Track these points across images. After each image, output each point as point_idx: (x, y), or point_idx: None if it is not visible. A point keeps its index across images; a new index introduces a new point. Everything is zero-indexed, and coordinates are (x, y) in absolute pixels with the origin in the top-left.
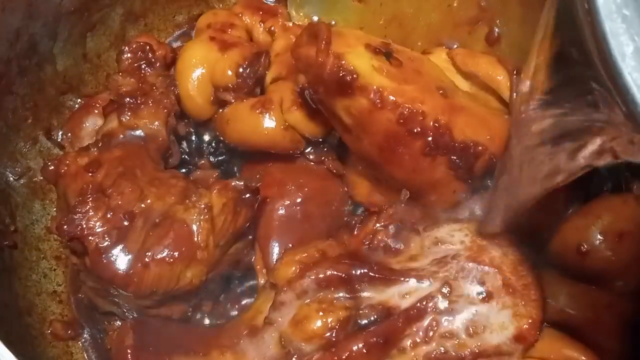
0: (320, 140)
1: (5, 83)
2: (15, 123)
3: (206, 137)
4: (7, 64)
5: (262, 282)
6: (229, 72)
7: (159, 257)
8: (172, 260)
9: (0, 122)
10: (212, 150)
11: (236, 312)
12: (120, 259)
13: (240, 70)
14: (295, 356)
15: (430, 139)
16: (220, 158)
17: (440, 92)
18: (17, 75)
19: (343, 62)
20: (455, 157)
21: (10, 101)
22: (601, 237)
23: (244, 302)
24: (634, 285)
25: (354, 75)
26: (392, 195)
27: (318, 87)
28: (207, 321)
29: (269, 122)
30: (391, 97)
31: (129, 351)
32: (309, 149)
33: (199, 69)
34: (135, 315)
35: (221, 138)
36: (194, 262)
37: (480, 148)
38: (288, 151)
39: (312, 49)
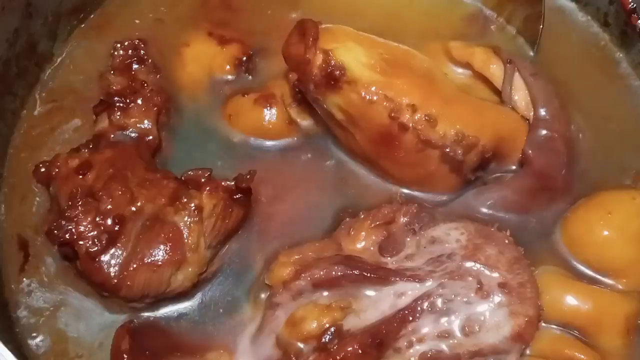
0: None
1: (5, 83)
2: (14, 124)
3: (202, 134)
4: (7, 64)
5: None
6: (227, 67)
7: (149, 260)
8: (162, 263)
9: (0, 123)
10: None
11: (232, 313)
12: (111, 264)
13: (239, 64)
14: (292, 357)
15: (421, 132)
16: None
17: (432, 85)
18: (17, 76)
19: (331, 57)
20: (447, 150)
21: (9, 101)
22: (610, 233)
23: (239, 302)
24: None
25: (343, 70)
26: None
27: (308, 84)
28: (203, 323)
29: (272, 116)
30: (381, 91)
31: (125, 356)
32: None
33: (198, 62)
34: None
35: (216, 134)
36: (185, 264)
37: (472, 139)
38: (290, 143)
39: (300, 47)
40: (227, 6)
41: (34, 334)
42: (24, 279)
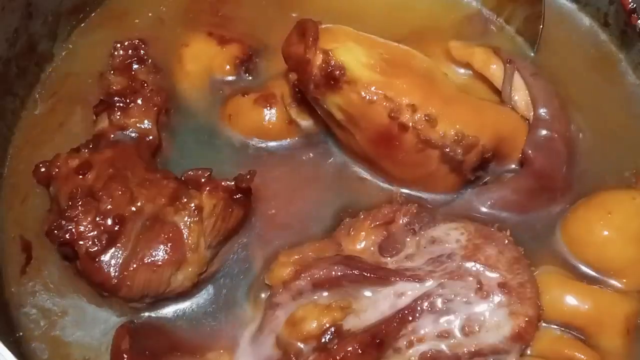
0: (322, 134)
1: (5, 83)
2: (15, 124)
3: (202, 134)
4: (7, 64)
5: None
6: (227, 67)
7: (149, 260)
8: (162, 263)
9: (0, 123)
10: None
11: (232, 313)
12: (111, 264)
13: (239, 64)
14: (292, 357)
15: (421, 132)
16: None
17: (431, 85)
18: (17, 76)
19: (331, 57)
20: (447, 150)
21: (9, 101)
22: (610, 233)
23: (239, 302)
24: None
25: (343, 70)
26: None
27: (308, 84)
28: (203, 323)
29: (272, 116)
30: (381, 91)
31: (125, 356)
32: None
33: (198, 62)
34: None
35: (217, 134)
36: (185, 264)
37: (472, 139)
38: (290, 143)
39: (300, 47)
40: (215, 12)
41: (36, 337)
42: (26, 281)
